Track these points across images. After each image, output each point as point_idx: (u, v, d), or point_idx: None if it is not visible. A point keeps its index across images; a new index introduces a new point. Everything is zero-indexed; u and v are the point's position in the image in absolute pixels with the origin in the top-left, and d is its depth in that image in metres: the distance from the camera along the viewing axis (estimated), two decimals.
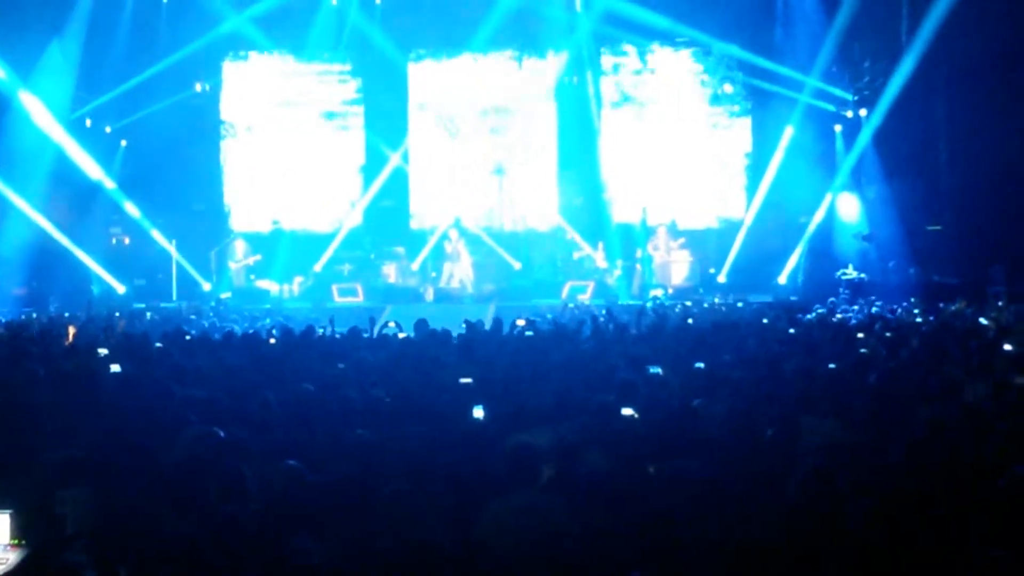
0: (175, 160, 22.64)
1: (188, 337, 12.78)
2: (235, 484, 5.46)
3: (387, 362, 10.20)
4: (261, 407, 7.33)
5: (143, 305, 19.98)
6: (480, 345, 11.17)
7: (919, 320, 14.37)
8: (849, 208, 22.10)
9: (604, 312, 15.45)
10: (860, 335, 11.83)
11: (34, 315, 17.58)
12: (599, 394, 7.60)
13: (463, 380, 8.57)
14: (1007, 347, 10.03)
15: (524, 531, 5.04)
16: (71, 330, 14.36)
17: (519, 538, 4.98)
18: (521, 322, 13.72)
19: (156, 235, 22.45)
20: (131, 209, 22.29)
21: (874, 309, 16.63)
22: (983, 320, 13.59)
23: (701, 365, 9.37)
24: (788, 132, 22.27)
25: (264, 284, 22.26)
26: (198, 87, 23.51)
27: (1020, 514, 4.80)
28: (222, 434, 6.33)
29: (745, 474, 5.63)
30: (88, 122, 22.16)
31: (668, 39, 23.25)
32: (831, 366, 9.00)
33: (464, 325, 12.72)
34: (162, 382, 8.49)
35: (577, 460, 5.85)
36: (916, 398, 7.46)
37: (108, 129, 22.72)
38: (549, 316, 16.59)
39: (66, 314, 17.51)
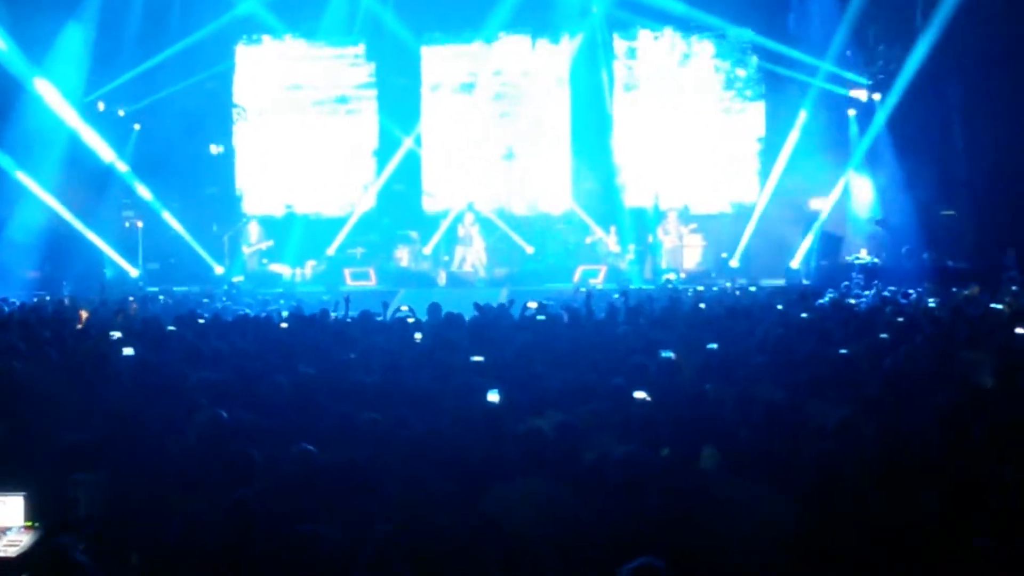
0: (188, 143, 22.62)
1: (201, 320, 12.81)
2: (245, 468, 5.49)
3: (399, 345, 10.22)
4: (273, 390, 7.35)
5: (156, 288, 20.04)
6: (491, 328, 11.17)
7: (932, 305, 14.31)
8: (863, 193, 22.01)
9: (618, 295, 15.41)
10: (871, 321, 11.80)
11: (47, 298, 17.59)
12: (611, 377, 7.60)
13: (474, 358, 8.60)
14: (1020, 331, 10.01)
15: (531, 515, 5.05)
16: (84, 313, 14.39)
17: (526, 522, 4.99)
18: (532, 305, 13.69)
19: (169, 218, 22.48)
20: (144, 192, 22.30)
21: (886, 294, 16.57)
22: (996, 305, 13.52)
23: (714, 346, 9.40)
24: (802, 116, 22.17)
25: (277, 268, 22.28)
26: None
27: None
28: (233, 417, 6.36)
29: (754, 458, 5.63)
30: (101, 105, 22.12)
31: (682, 23, 23.12)
32: (842, 351, 8.99)
33: (475, 308, 12.72)
34: (175, 365, 8.52)
35: (578, 444, 5.86)
36: (927, 383, 7.44)
37: (121, 112, 22.70)
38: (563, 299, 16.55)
39: (78, 299, 17.53)
